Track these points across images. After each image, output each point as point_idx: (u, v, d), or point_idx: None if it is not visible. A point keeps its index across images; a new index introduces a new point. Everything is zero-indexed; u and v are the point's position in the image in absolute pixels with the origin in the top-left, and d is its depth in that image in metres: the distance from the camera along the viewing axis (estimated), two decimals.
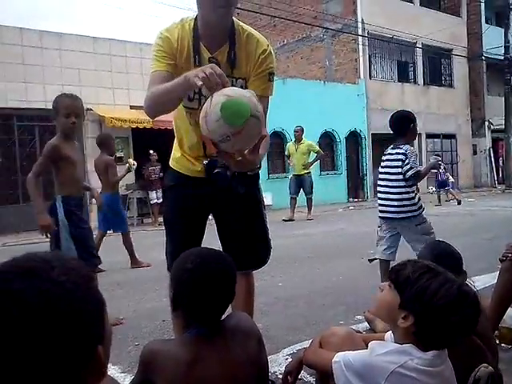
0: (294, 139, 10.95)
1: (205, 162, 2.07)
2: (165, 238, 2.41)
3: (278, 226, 9.34)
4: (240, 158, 1.74)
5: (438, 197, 14.29)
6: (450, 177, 14.92)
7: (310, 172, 10.67)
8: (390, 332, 1.52)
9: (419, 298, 1.36)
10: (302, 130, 10.65)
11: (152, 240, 8.34)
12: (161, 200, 11.56)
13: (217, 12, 1.94)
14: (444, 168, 14.19)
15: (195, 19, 2.08)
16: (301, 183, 10.62)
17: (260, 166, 1.99)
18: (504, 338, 2.53)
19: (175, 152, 2.34)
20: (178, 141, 2.32)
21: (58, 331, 0.68)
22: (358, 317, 3.39)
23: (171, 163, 2.37)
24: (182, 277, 1.51)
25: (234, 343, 1.50)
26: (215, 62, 1.99)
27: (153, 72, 2.02)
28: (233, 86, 1.96)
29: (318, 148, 11.05)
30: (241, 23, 2.13)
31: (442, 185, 14.36)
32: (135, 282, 5.16)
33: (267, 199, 12.95)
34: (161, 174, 11.35)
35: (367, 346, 1.50)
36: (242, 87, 2.06)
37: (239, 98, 1.66)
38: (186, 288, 1.48)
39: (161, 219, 11.39)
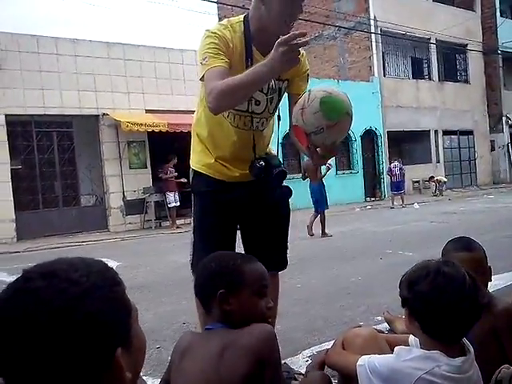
0: None
1: (261, 162, 2.15)
2: (191, 245, 2.36)
3: (294, 228, 9.31)
4: (323, 152, 1.89)
5: (392, 199, 14.33)
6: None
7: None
8: (413, 336, 1.51)
9: (408, 289, 1.38)
10: None
11: (170, 243, 8.40)
12: (178, 203, 11.64)
13: (283, 26, 2.00)
14: (399, 170, 14.22)
15: (244, 21, 2.10)
16: None
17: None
18: None
19: (204, 158, 2.29)
20: (211, 147, 2.27)
21: (73, 328, 0.69)
22: (378, 318, 3.37)
23: (201, 168, 2.30)
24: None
25: (225, 351, 1.37)
26: None
27: (211, 68, 1.96)
28: (279, 88, 2.15)
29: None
30: None
31: (396, 188, 14.30)
32: (155, 285, 5.20)
33: None
34: (177, 176, 11.44)
35: (390, 347, 1.49)
36: (285, 88, 2.21)
37: (338, 95, 1.81)
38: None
39: (179, 222, 11.49)
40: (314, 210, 8.88)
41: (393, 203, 14.16)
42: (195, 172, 2.34)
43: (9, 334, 0.68)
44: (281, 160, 2.26)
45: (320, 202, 8.76)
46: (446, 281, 1.34)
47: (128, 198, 11.89)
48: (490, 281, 1.90)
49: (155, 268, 6.13)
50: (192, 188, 2.39)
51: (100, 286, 0.74)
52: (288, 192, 2.36)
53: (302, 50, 2.18)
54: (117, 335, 0.74)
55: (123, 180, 11.83)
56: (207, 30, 2.08)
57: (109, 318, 0.72)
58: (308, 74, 2.24)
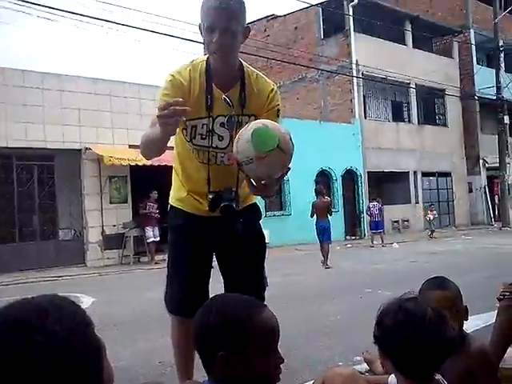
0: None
1: (210, 196, 2.15)
2: (166, 279, 2.36)
3: (275, 265, 9.29)
4: (256, 184, 1.88)
5: (372, 238, 14.43)
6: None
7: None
8: (393, 375, 1.51)
9: (376, 327, 1.40)
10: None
11: (148, 279, 8.28)
12: (158, 238, 11.54)
13: (213, 57, 2.07)
14: (378, 209, 14.41)
15: (207, 60, 2.15)
16: None
17: (273, 195, 2.23)
18: (506, 379, 2.50)
19: (179, 192, 2.34)
20: (183, 180, 2.32)
21: (50, 379, 0.67)
22: (357, 358, 3.34)
23: (175, 203, 2.36)
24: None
25: None
26: (228, 100, 2.09)
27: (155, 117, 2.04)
28: (243, 123, 2.10)
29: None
30: (248, 65, 2.25)
31: (375, 227, 14.47)
32: (131, 321, 5.10)
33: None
34: (157, 212, 11.38)
35: None
36: None
37: (272, 129, 1.80)
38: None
39: (157, 258, 11.36)
40: (320, 244, 9.89)
41: (372, 242, 14.24)
42: (171, 206, 2.39)
43: None
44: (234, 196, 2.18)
45: (327, 236, 9.88)
46: (406, 316, 1.36)
47: (107, 233, 11.74)
48: (466, 320, 1.91)
49: (132, 304, 6.01)
50: (167, 222, 2.44)
51: (74, 332, 0.71)
52: (255, 224, 2.37)
53: (275, 87, 2.26)
54: (89, 377, 0.73)
55: (103, 214, 11.72)
56: (170, 73, 2.14)
57: (83, 362, 0.71)
58: (279, 110, 2.23)
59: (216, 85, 2.12)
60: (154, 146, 2.06)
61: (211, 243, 2.30)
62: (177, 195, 2.36)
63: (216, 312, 1.26)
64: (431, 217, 16.82)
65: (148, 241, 11.64)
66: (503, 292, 2.40)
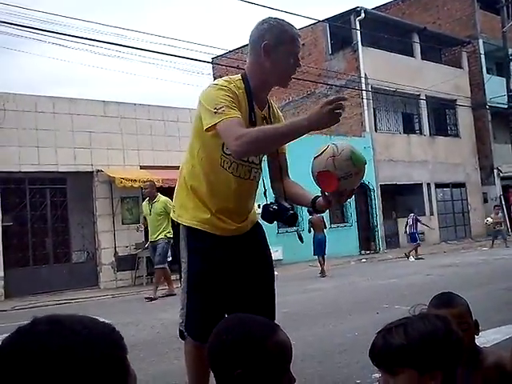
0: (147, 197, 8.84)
1: (274, 207, 2.24)
2: (184, 302, 2.28)
3: (290, 282, 9.19)
4: (343, 196, 2.12)
5: (409, 252, 13.96)
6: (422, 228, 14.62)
7: (167, 235, 8.38)
8: None
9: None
10: (152, 186, 8.74)
11: (162, 300, 8.22)
12: (170, 258, 11.49)
13: (287, 79, 2.25)
14: (414, 221, 14.08)
15: (243, 79, 2.22)
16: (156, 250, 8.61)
17: None
18: None
19: (198, 212, 2.25)
20: (207, 197, 2.24)
21: (69, 373, 0.72)
22: (375, 375, 3.25)
23: (196, 224, 2.26)
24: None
25: None
26: (267, 119, 2.26)
27: (230, 117, 2.03)
28: None
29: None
30: None
31: (411, 239, 14.21)
32: (145, 343, 5.03)
33: (278, 253, 12.82)
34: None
35: None
36: None
37: (357, 149, 2.08)
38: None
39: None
40: (318, 258, 10.87)
41: (409, 254, 13.82)
42: (189, 228, 2.28)
43: (8, 371, 0.72)
44: (291, 205, 2.30)
45: (323, 249, 10.92)
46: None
47: (120, 254, 11.73)
48: (477, 334, 1.85)
49: (146, 326, 5.95)
50: (187, 245, 2.30)
51: (100, 342, 0.76)
52: (267, 241, 2.46)
53: (279, 111, 2.41)
54: None
55: (115, 236, 11.73)
56: (216, 84, 2.18)
57: (104, 376, 0.74)
58: None
59: (256, 103, 2.23)
60: (284, 140, 2.11)
61: (232, 264, 2.26)
62: (197, 216, 2.25)
63: (233, 331, 1.28)
64: (490, 220, 15.56)
65: None
66: None
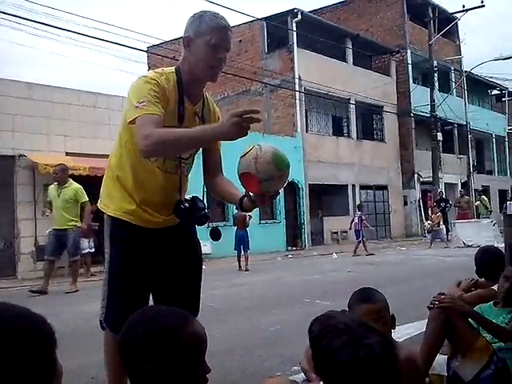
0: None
1: (186, 204, 2.19)
2: (105, 294, 2.25)
3: (218, 276, 9.23)
4: (267, 198, 2.10)
5: (358, 247, 14.32)
6: (367, 227, 14.94)
7: (76, 225, 7.91)
8: None
9: (322, 359, 1.28)
10: (63, 170, 8.07)
11: (83, 292, 7.99)
12: (93, 249, 11.16)
13: (209, 71, 2.16)
14: (359, 219, 14.55)
15: (176, 72, 2.18)
16: (61, 240, 7.96)
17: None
18: None
19: (124, 203, 2.23)
20: (133, 189, 2.22)
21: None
22: (295, 367, 3.35)
23: (121, 215, 2.23)
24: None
25: None
26: (199, 115, 2.22)
27: (147, 113, 1.98)
28: None
29: (86, 198, 7.86)
30: None
31: (356, 235, 14.63)
32: (63, 336, 4.86)
33: (207, 248, 12.82)
34: (97, 224, 11.02)
35: None
36: None
37: (282, 151, 2.06)
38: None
39: (94, 269, 10.99)
40: (238, 253, 11.10)
41: (355, 251, 14.02)
42: (113, 219, 2.25)
43: None
44: (205, 205, 2.27)
45: (246, 245, 11.10)
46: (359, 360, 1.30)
47: (40, 243, 11.23)
48: (394, 328, 1.98)
49: (65, 318, 5.75)
50: (110, 236, 2.28)
51: (30, 332, 0.77)
52: (196, 234, 2.42)
53: (215, 107, 2.38)
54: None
55: (36, 224, 11.22)
56: (145, 76, 2.13)
57: (30, 366, 0.77)
58: None
59: (186, 97, 2.18)
60: (191, 145, 2.12)
61: (157, 256, 2.24)
62: (122, 207, 2.23)
63: (145, 324, 1.24)
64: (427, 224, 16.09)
65: (83, 252, 11.21)
66: (433, 301, 2.50)
